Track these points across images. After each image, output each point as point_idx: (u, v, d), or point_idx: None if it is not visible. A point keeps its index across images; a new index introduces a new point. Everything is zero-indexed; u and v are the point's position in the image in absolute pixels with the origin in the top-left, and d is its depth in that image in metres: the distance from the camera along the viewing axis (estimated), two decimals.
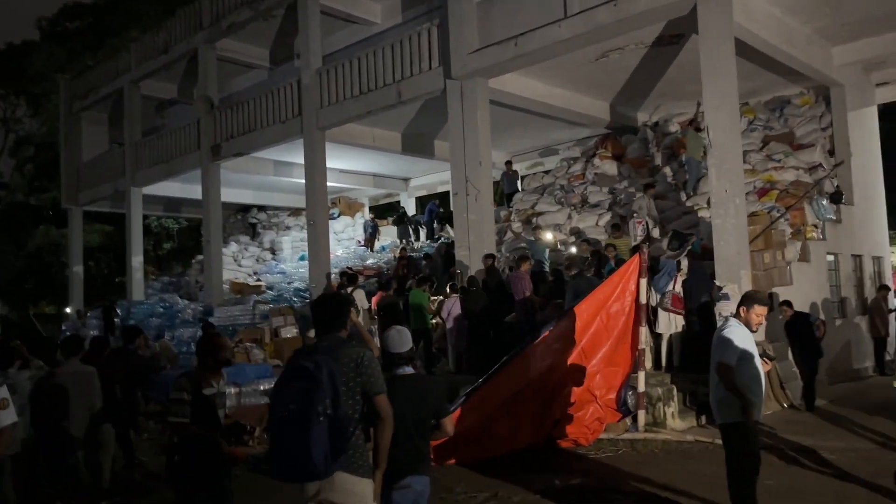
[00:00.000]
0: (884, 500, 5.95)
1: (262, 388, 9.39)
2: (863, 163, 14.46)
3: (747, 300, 5.25)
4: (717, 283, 10.04)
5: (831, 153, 14.25)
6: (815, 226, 12.75)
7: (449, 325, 11.83)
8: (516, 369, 8.31)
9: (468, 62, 13.18)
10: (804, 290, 11.66)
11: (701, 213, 13.33)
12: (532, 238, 14.30)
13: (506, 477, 7.21)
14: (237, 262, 23.98)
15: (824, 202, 13.00)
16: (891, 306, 13.59)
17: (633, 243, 12.49)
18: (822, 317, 11.82)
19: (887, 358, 13.14)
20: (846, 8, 11.85)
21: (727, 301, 9.70)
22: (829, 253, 12.93)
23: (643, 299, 8.92)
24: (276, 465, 3.40)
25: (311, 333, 4.92)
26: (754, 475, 5.14)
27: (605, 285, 8.91)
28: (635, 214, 13.57)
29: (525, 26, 12.32)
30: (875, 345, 13.38)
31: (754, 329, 5.17)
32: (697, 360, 9.61)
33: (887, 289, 13.86)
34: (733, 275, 9.99)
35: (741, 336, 5.09)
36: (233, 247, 24.64)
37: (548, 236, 14.43)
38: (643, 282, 8.91)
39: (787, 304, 10.60)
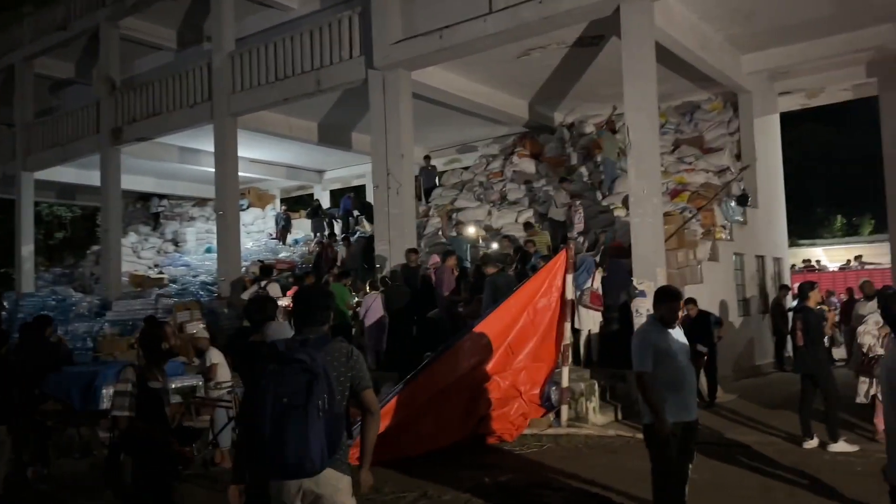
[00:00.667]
0: (805, 492, 6.15)
1: (173, 385, 8.82)
2: (766, 167, 15.14)
3: (658, 297, 5.10)
4: (634, 280, 10.21)
5: (738, 157, 14.83)
6: (724, 227, 13.23)
7: (368, 321, 11.54)
8: (443, 366, 8.16)
9: (391, 53, 12.91)
10: (713, 289, 12.05)
11: (617, 213, 13.62)
12: (454, 233, 14.20)
13: (433, 475, 7.05)
14: (136, 254, 22.70)
15: (732, 204, 13.51)
16: (789, 306, 14.27)
17: (577, 230, 12.70)
18: (730, 315, 12.26)
19: (786, 355, 13.78)
20: (758, 18, 12.32)
21: (643, 298, 9.89)
22: (735, 253, 13.43)
23: (569, 295, 8.96)
24: (270, 460, 3.17)
25: (258, 336, 4.60)
26: (669, 476, 4.96)
27: (532, 281, 8.89)
28: (578, 201, 13.67)
29: (450, 19, 12.16)
30: (775, 342, 14.02)
31: (672, 326, 5.03)
32: (615, 356, 9.84)
33: (787, 289, 14.57)
34: (650, 272, 10.16)
35: (656, 336, 4.94)
36: (132, 237, 23.37)
37: (471, 231, 14.36)
38: (569, 278, 8.94)
39: (692, 301, 10.84)
